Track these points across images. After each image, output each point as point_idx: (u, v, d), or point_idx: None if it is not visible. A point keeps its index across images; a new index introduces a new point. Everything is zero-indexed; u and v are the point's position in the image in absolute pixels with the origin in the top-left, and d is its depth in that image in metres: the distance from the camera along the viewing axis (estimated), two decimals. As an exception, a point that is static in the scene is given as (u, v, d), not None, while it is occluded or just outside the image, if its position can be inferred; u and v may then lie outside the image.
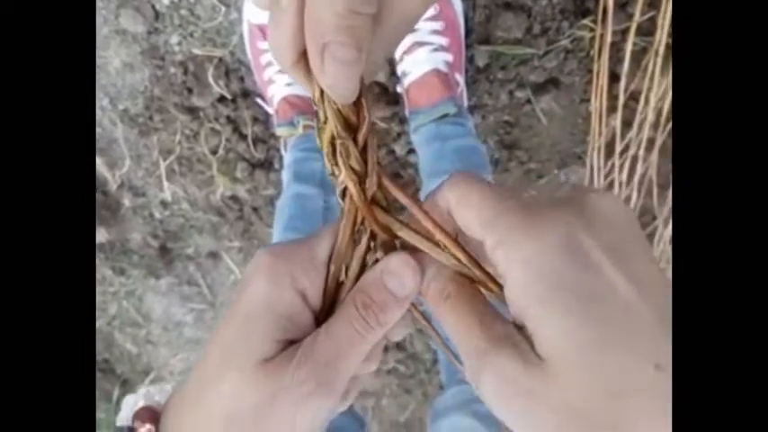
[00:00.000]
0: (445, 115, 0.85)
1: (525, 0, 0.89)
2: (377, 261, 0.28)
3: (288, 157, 0.98)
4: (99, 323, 1.48)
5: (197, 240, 1.30)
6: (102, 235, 1.28)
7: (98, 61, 1.02)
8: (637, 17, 0.86)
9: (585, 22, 0.90)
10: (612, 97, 0.96)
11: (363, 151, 0.26)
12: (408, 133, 0.98)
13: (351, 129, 0.26)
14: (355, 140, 0.26)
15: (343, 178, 0.26)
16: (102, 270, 1.37)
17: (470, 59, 0.92)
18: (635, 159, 1.02)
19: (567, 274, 0.22)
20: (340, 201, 0.28)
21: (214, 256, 1.32)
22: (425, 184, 0.89)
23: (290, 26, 0.23)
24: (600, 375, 0.21)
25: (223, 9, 0.94)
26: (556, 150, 1.07)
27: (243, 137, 1.09)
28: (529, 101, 0.99)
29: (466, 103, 0.93)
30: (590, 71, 0.96)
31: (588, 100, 0.99)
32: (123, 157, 1.15)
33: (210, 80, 1.00)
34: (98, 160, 1.16)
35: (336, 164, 0.26)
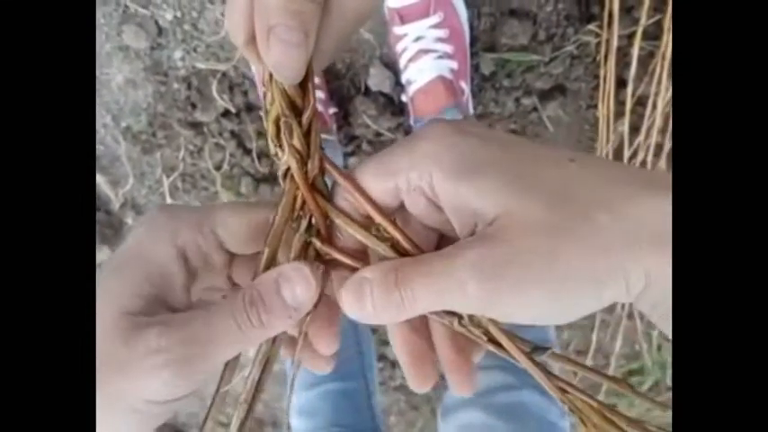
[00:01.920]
0: (451, 123, 0.84)
1: (530, 7, 0.89)
2: (307, 246, 0.28)
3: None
4: None
5: None
6: (104, 254, 1.27)
7: (100, 78, 1.02)
8: (643, 21, 0.86)
9: (591, 27, 0.90)
10: (619, 103, 0.95)
11: (307, 134, 0.27)
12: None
13: (296, 111, 0.27)
14: (300, 123, 0.27)
15: (286, 158, 0.27)
16: (105, 290, 1.35)
17: (476, 68, 0.92)
18: (643, 165, 1.01)
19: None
20: (282, 182, 0.28)
21: None
22: None
23: (244, 8, 0.24)
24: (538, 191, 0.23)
25: (227, 23, 0.93)
26: (563, 158, 1.06)
27: (247, 151, 1.08)
28: (535, 108, 0.98)
29: (471, 112, 0.92)
30: (596, 77, 0.95)
31: (595, 106, 0.98)
32: (126, 175, 1.14)
33: (215, 94, 1.00)
34: (101, 179, 1.15)
35: (280, 145, 0.27)
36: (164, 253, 0.27)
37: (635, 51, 0.89)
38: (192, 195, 1.17)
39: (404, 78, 0.91)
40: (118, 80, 1.02)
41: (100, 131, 1.09)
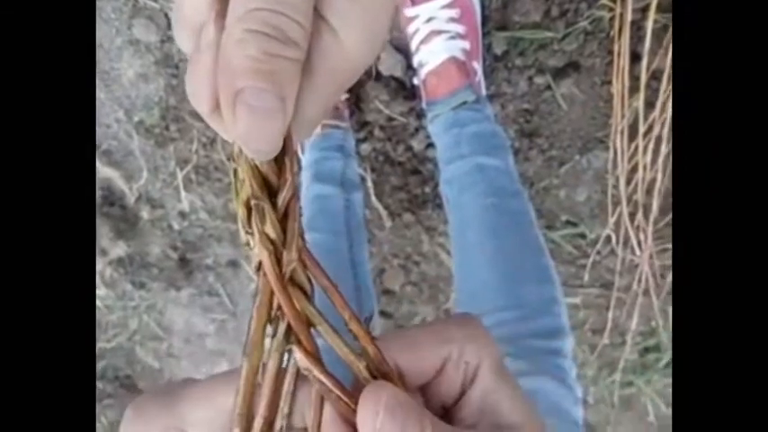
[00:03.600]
0: (463, 103, 0.84)
1: (542, -17, 0.88)
2: (289, 353, 0.23)
3: (306, 157, 0.97)
4: (120, 339, 1.48)
5: (216, 250, 1.29)
6: (120, 249, 1.28)
7: (111, 73, 1.02)
8: (656, -7, 0.85)
9: (604, 1, 0.89)
10: (634, 78, 0.94)
11: (284, 219, 0.22)
12: (426, 128, 0.97)
13: (270, 191, 0.22)
14: (275, 205, 0.22)
15: (257, 248, 0.22)
16: (122, 285, 1.36)
17: (488, 48, 0.91)
18: (659, 140, 1.00)
19: None
20: (255, 276, 0.23)
21: (234, 264, 1.31)
22: (443, 171, 0.88)
23: (208, 69, 0.20)
24: None
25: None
26: (578, 136, 1.05)
27: (260, 141, 1.08)
28: (549, 87, 0.98)
29: (484, 92, 0.92)
30: (610, 52, 0.94)
31: (609, 82, 0.97)
32: (140, 169, 1.14)
33: (226, 85, 0.99)
34: (114, 173, 1.16)
35: (251, 232, 0.22)
36: None
37: (649, 25, 0.88)
38: (205, 187, 1.17)
39: (415, 61, 0.90)
40: (129, 75, 1.02)
41: (113, 126, 1.09)
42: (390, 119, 1.02)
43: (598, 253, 1.17)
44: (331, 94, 0.22)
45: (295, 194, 0.23)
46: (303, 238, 0.23)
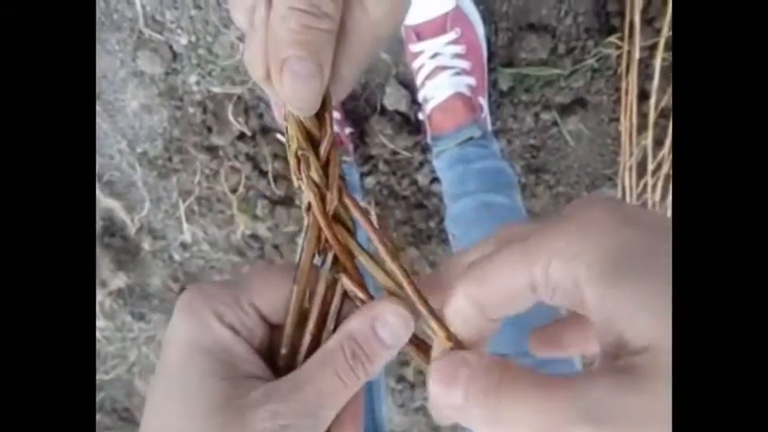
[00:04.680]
0: (469, 139, 0.83)
1: (549, 20, 0.87)
2: (335, 282, 0.27)
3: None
4: (119, 371, 1.45)
5: None
6: (121, 280, 1.26)
7: (115, 104, 1.02)
8: (665, 31, 0.84)
9: (612, 39, 0.88)
10: (642, 115, 0.93)
11: (326, 165, 0.27)
12: (431, 162, 0.95)
13: (313, 142, 0.27)
14: (318, 154, 0.27)
15: (305, 191, 0.27)
16: (122, 316, 1.34)
17: (493, 84, 0.90)
18: (668, 178, 0.98)
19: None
20: (305, 215, 0.28)
21: None
22: (449, 208, 0.86)
23: (260, 43, 0.24)
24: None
25: (241, 46, 0.93)
26: (585, 172, 1.03)
27: (263, 174, 1.07)
28: (555, 123, 0.96)
29: (490, 128, 0.90)
30: (618, 90, 0.93)
31: (617, 119, 0.96)
32: (142, 200, 1.13)
33: (230, 117, 0.99)
34: (116, 204, 1.15)
35: (301, 178, 0.27)
36: (217, 335, 0.25)
37: (657, 62, 0.87)
38: (207, 219, 1.16)
39: (420, 96, 0.89)
40: (133, 106, 1.02)
41: (115, 157, 1.08)
42: (395, 153, 1.01)
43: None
44: (362, 59, 0.25)
45: (334, 145, 0.27)
46: (344, 181, 0.27)
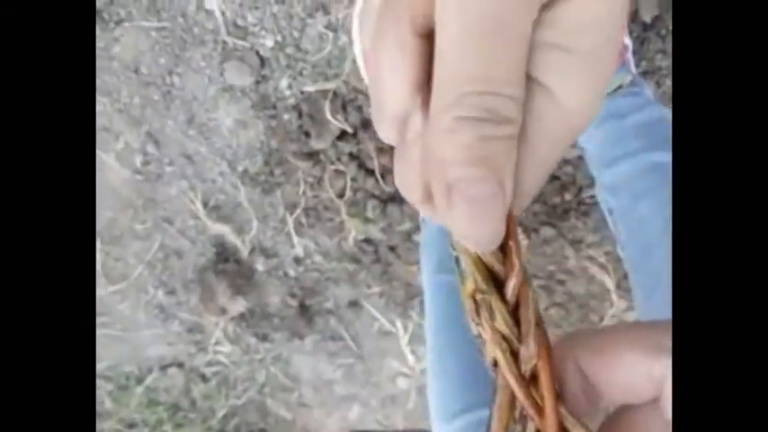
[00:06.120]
0: (618, 87, 0.69)
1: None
2: None
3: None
4: (250, 393, 1.47)
5: (335, 292, 1.25)
6: (240, 305, 1.26)
7: (209, 124, 0.98)
8: None
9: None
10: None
11: (515, 310, 0.21)
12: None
13: (496, 281, 0.21)
14: (503, 297, 0.21)
15: (489, 345, 0.21)
16: (246, 339, 1.35)
17: (633, 15, 0.76)
18: None
19: None
20: (492, 373, 0.22)
21: (354, 305, 1.26)
22: (602, 175, 0.72)
23: (418, 160, 0.20)
24: None
25: (331, 35, 0.85)
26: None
27: (369, 172, 1.00)
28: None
29: (634, 70, 0.76)
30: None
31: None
32: (250, 219, 1.10)
33: (328, 116, 0.92)
34: (225, 229, 1.13)
35: (481, 324, 0.21)
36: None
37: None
38: (317, 229, 1.12)
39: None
40: (227, 123, 0.97)
41: (217, 181, 1.06)
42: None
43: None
44: (551, 160, 0.20)
45: (526, 281, 0.21)
46: (542, 327, 0.21)
